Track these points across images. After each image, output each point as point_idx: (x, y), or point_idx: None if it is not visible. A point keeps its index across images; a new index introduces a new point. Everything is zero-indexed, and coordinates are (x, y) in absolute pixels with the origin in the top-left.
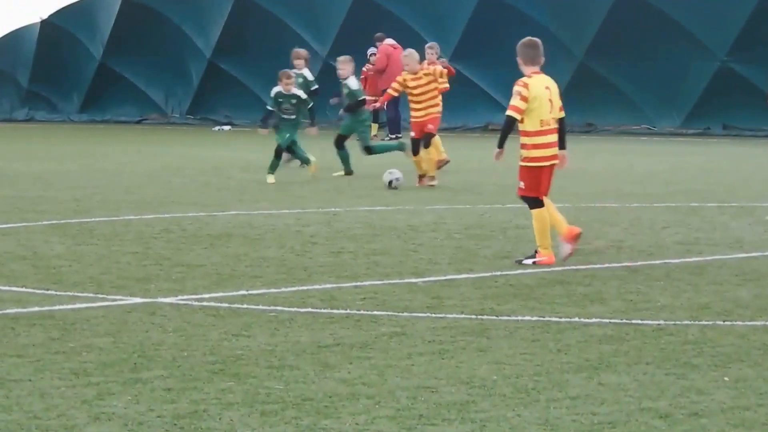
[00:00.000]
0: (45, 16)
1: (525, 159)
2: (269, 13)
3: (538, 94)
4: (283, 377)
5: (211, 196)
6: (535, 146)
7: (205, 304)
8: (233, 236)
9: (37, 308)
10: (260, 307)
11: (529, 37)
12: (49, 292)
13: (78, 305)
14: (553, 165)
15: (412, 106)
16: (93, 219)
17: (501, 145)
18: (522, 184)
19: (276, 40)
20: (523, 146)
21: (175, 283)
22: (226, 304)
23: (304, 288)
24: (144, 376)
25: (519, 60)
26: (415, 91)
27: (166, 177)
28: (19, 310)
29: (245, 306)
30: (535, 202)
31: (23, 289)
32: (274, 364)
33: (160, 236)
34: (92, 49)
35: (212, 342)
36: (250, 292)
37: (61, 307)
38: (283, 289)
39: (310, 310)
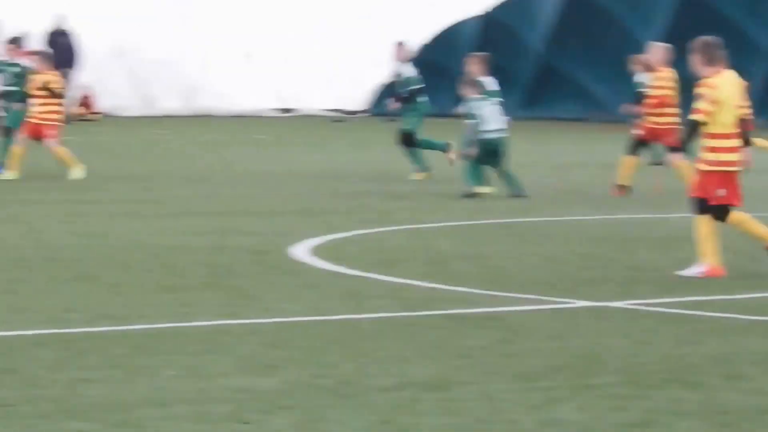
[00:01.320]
0: (490, 10)
1: None
2: None
3: None
4: (740, 388)
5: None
6: None
7: (652, 309)
8: (683, 240)
9: (481, 309)
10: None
11: None
12: (493, 292)
13: (523, 307)
14: None
15: None
16: (539, 219)
17: None
18: None
19: None
20: None
21: (622, 287)
22: (676, 310)
23: (762, 295)
24: (593, 383)
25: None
26: None
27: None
28: (465, 310)
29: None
30: None
31: (467, 290)
32: (729, 373)
33: (607, 238)
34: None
35: (663, 349)
36: (701, 298)
37: (506, 308)
38: (738, 296)
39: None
